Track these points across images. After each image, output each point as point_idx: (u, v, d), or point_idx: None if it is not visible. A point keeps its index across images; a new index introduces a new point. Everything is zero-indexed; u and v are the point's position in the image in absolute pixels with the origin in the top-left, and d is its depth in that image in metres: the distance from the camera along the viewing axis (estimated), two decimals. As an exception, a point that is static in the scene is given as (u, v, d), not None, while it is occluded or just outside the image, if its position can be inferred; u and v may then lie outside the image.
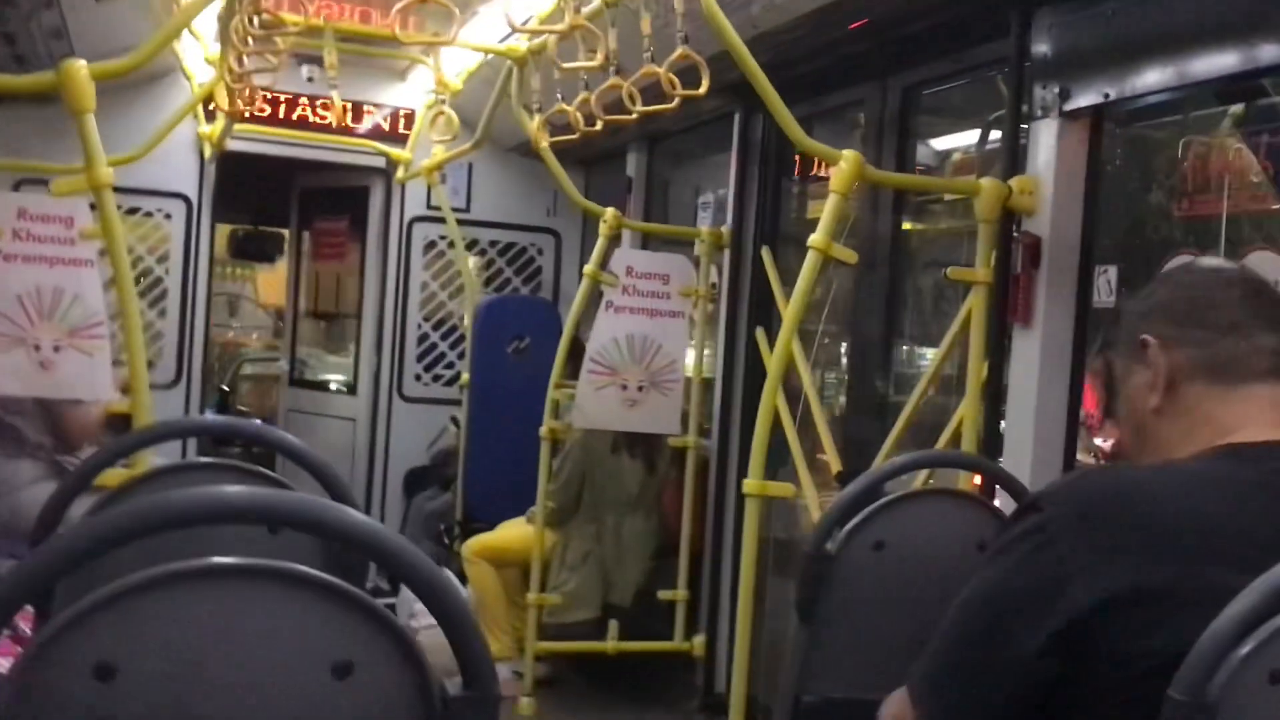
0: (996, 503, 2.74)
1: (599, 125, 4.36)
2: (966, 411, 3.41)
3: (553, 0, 4.11)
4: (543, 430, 5.28)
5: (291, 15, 4.14)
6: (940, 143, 4.69)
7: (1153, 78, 2.99)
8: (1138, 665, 1.43)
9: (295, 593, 1.24)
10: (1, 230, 4.12)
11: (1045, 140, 3.29)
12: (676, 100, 3.84)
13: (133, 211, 6.59)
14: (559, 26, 4.12)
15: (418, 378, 7.36)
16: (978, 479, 3.21)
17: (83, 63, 3.03)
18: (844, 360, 4.78)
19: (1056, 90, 3.22)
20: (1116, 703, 1.46)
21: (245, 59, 4.60)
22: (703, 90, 3.77)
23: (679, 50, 3.64)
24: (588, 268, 5.27)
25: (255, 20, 4.15)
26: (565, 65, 4.22)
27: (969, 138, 4.48)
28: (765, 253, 5.05)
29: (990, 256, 3.41)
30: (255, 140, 6.81)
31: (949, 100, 4.47)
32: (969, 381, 3.42)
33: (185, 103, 5.89)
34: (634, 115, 4.09)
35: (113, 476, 2.60)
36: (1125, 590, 1.45)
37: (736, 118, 5.19)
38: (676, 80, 3.74)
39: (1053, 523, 1.53)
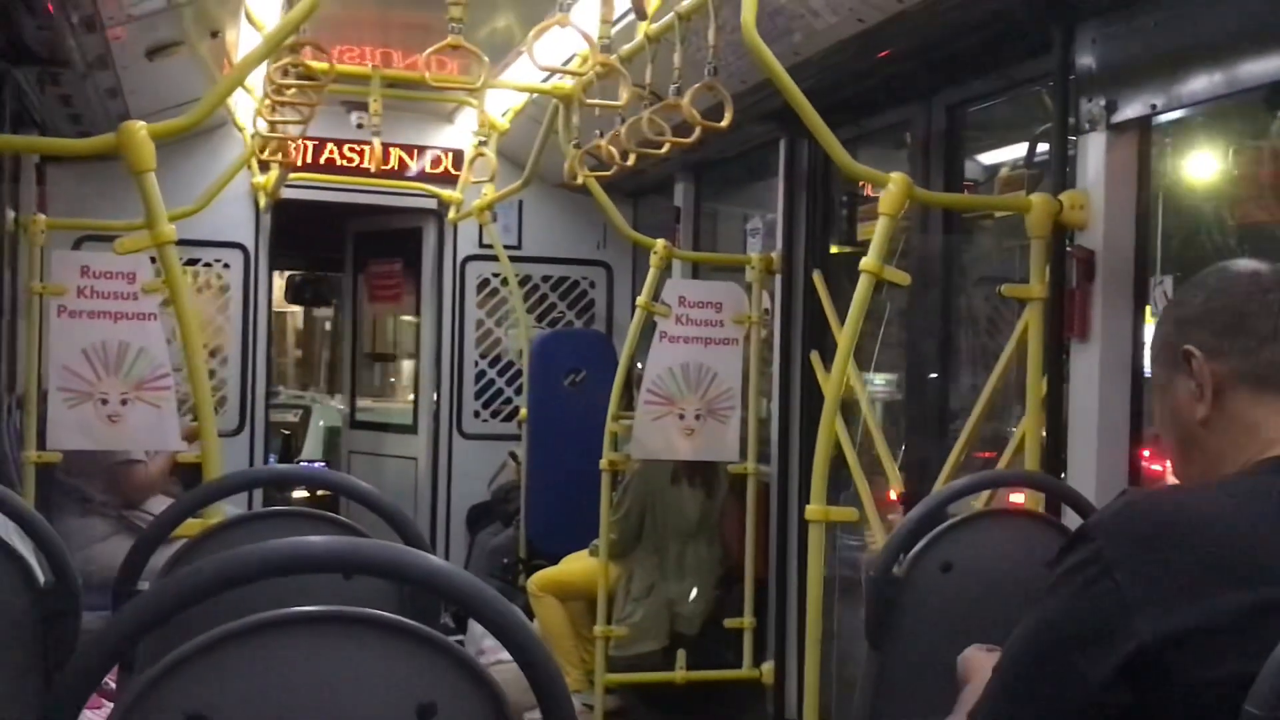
0: (1063, 521, 2.74)
1: (631, 159, 4.41)
2: (1028, 429, 3.40)
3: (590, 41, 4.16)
4: (602, 463, 5.31)
5: (320, 64, 4.20)
6: (989, 158, 4.68)
7: (1199, 86, 2.98)
8: (1209, 693, 1.41)
9: (378, 638, 1.28)
10: (66, 288, 4.23)
11: (1094, 153, 3.28)
12: (697, 132, 3.89)
13: (192, 262, 6.70)
14: (581, 68, 4.19)
15: (476, 414, 7.42)
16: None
17: (142, 124, 3.09)
18: (902, 381, 4.77)
19: (1103, 103, 3.22)
20: None
21: (277, 110, 4.69)
22: (724, 123, 3.81)
23: (703, 82, 3.68)
24: (640, 299, 5.30)
25: (291, 72, 4.23)
26: (590, 102, 4.28)
27: (1018, 151, 4.47)
28: (817, 276, 5.05)
29: (1044, 272, 3.40)
30: (308, 187, 6.92)
31: (997, 115, 4.47)
32: (1028, 399, 3.41)
33: (239, 155, 5.99)
34: (663, 149, 4.14)
35: (189, 526, 2.66)
36: (1187, 622, 1.43)
37: (782, 143, 5.21)
38: (696, 113, 3.78)
39: (1106, 553, 1.50)
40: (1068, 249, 3.36)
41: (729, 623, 5.40)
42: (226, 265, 6.88)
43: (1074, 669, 1.50)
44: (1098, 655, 1.48)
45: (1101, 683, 1.47)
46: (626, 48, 4.16)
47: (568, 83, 4.79)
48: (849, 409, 4.51)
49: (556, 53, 4.60)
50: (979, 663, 1.75)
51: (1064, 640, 1.53)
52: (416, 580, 1.31)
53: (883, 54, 4.17)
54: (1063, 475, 3.33)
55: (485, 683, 1.30)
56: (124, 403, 4.17)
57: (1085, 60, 3.31)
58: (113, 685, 2.26)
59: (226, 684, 1.23)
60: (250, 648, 1.24)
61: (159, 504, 4.91)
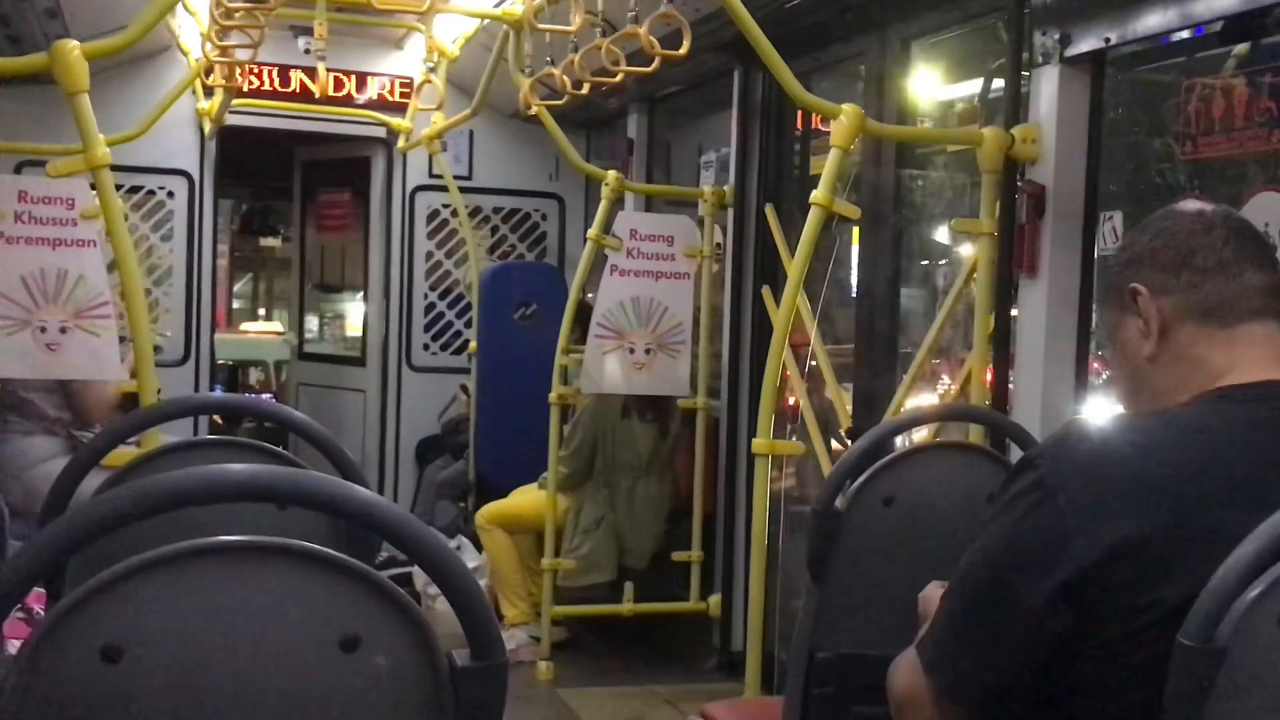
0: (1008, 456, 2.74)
1: (585, 88, 4.35)
2: (974, 364, 3.41)
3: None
4: (552, 396, 5.30)
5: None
6: (944, 92, 4.65)
7: (1154, 20, 2.96)
8: (1146, 615, 1.44)
9: (300, 569, 1.25)
10: (3, 213, 4.13)
11: (1047, 87, 3.26)
12: (656, 62, 3.83)
13: (135, 190, 6.58)
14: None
15: (425, 347, 7.36)
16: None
17: (74, 43, 3.02)
18: (851, 316, 4.76)
19: (1057, 36, 3.19)
20: (1127, 655, 1.47)
21: (228, 33, 4.57)
22: (683, 51, 3.76)
23: (660, 10, 3.62)
24: (590, 232, 5.26)
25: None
26: (540, 27, 4.21)
27: (972, 87, 4.44)
28: (769, 210, 5.03)
29: (995, 207, 3.39)
30: (255, 114, 6.78)
31: (952, 48, 4.44)
32: (975, 334, 3.41)
33: (182, 79, 5.86)
34: (617, 78, 4.08)
35: (122, 455, 2.61)
36: (1127, 543, 1.46)
37: (736, 75, 5.16)
38: (655, 42, 3.72)
39: (1049, 478, 1.54)
40: (1018, 184, 3.34)
41: (677, 556, 5.43)
42: (171, 193, 6.75)
43: (1016, 591, 1.52)
44: (1039, 577, 1.50)
45: (1043, 604, 1.50)
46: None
47: (519, 9, 4.70)
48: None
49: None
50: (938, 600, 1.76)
51: (1007, 563, 1.55)
52: (335, 509, 1.28)
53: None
54: (1008, 410, 3.34)
55: (411, 615, 1.27)
56: (63, 331, 4.09)
57: (1040, -8, 3.28)
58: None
59: (143, 614, 1.20)
60: (166, 578, 1.21)
61: (104, 433, 4.83)
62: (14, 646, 1.85)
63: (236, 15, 4.37)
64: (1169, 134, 3.19)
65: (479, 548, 5.77)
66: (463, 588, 1.28)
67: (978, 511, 2.19)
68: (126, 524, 1.24)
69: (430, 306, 7.35)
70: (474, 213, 7.10)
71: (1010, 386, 3.40)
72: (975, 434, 3.21)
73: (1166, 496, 1.48)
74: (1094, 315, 3.23)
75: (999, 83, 3.72)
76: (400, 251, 7.27)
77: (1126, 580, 1.46)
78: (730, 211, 5.29)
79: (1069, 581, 1.47)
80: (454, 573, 1.28)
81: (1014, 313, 3.41)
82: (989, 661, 1.58)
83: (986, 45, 3.98)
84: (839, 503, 2.40)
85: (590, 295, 5.48)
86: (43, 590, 2.07)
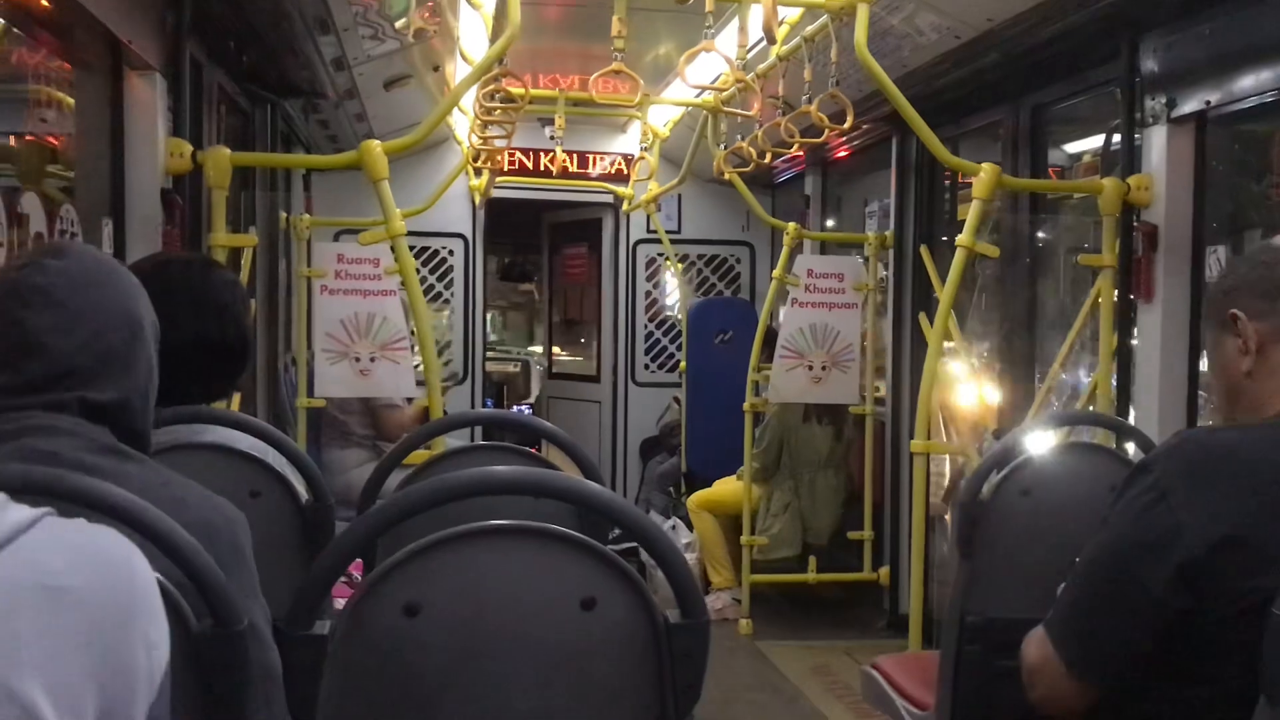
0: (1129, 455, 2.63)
1: (768, 157, 4.36)
2: (1100, 377, 3.29)
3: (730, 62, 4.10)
4: (746, 405, 5.32)
5: (517, 89, 4.22)
6: (1072, 148, 4.50)
7: (1248, 83, 2.82)
8: (1245, 599, 1.39)
9: (551, 546, 1.32)
10: (326, 272, 4.40)
11: (1156, 143, 3.14)
12: (826, 133, 3.81)
13: (425, 249, 6.88)
14: (721, 85, 4.15)
15: (646, 367, 7.47)
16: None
17: (377, 142, 3.18)
18: (996, 336, 4.64)
19: (1164, 100, 3.07)
20: (1231, 633, 1.43)
21: (489, 127, 4.76)
22: (847, 125, 3.74)
23: (828, 91, 3.61)
24: (775, 272, 5.26)
25: (495, 97, 4.28)
26: (728, 111, 4.24)
27: (1093, 143, 4.29)
28: (924, 250, 4.94)
29: (1115, 244, 3.27)
30: (513, 188, 7.03)
31: (1077, 111, 4.29)
32: (1101, 352, 3.30)
33: (458, 163, 6.12)
34: (794, 148, 4.08)
35: (417, 456, 2.76)
36: (1230, 536, 1.42)
37: (894, 140, 5.09)
38: (825, 118, 3.71)
39: (1162, 481, 1.49)
40: (1135, 224, 3.22)
41: (852, 535, 5.37)
42: (451, 251, 7.04)
43: (1136, 579, 1.49)
44: (1156, 566, 1.47)
45: (1160, 589, 1.46)
46: (762, 66, 4.12)
47: (711, 97, 4.75)
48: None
49: (706, 72, 4.57)
50: None
51: (1129, 555, 1.51)
52: (576, 501, 1.35)
53: (977, 64, 4.03)
54: (1129, 417, 3.21)
55: (635, 582, 1.33)
56: (372, 360, 4.32)
57: (1149, 64, 3.15)
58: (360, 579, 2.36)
59: (435, 580, 1.29)
60: (452, 552, 1.29)
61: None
62: (339, 604, 1.98)
63: (494, 113, 4.55)
64: (1265, 180, 3.03)
65: (690, 527, 5.82)
66: (673, 561, 1.33)
67: (1102, 499, 2.13)
68: (420, 512, 1.33)
69: (649, 335, 7.46)
70: (683, 259, 7.18)
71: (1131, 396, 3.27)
72: (1101, 437, 3.09)
73: (1263, 497, 1.43)
74: (1202, 335, 3.09)
75: (1117, 139, 3.59)
76: (625, 292, 7.40)
77: (1230, 568, 1.41)
78: (891, 252, 5.22)
79: (1181, 568, 1.44)
80: (666, 549, 1.33)
81: (1134, 333, 3.28)
82: (1112, 636, 1.54)
83: (1104, 109, 3.84)
84: (984, 493, 2.35)
85: (776, 323, 5.48)
86: (360, 560, 2.21)
